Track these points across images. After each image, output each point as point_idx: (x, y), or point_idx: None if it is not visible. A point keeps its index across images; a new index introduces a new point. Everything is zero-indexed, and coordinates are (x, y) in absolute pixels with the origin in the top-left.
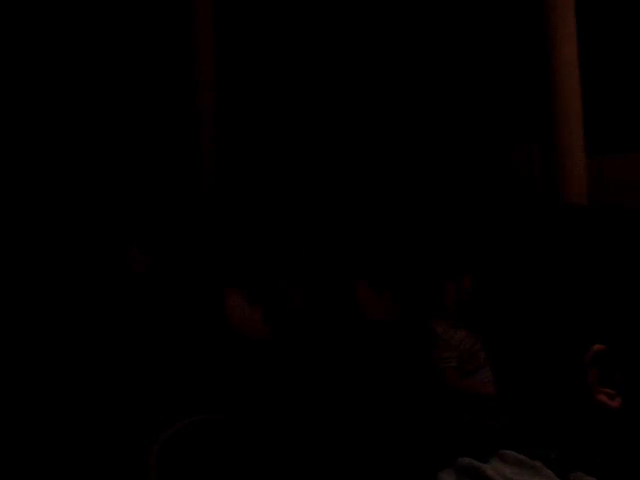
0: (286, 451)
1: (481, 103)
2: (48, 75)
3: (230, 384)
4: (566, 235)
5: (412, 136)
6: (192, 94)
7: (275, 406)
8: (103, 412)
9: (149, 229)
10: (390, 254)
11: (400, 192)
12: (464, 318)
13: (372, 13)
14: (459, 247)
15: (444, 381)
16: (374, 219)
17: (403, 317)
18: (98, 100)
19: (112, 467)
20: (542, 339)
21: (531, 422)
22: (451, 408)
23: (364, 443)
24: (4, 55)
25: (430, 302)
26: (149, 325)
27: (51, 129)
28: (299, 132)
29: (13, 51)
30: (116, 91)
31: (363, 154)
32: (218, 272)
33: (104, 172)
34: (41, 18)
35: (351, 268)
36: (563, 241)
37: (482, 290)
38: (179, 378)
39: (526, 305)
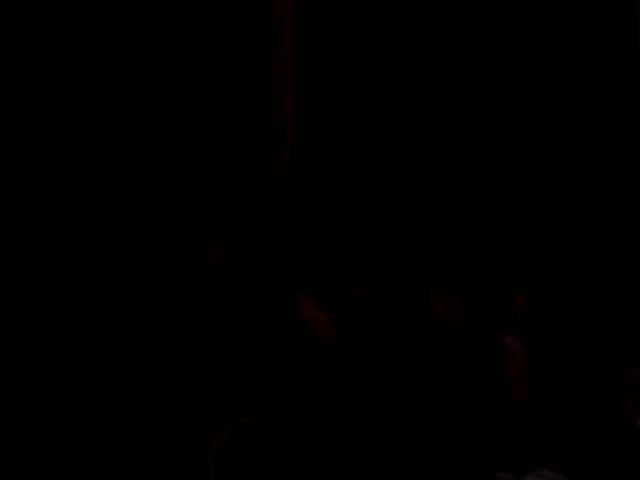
0: (343, 452)
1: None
2: (140, 75)
3: (294, 384)
4: None
5: (504, 143)
6: (270, 87)
7: (338, 408)
8: (164, 407)
9: (223, 223)
10: (463, 261)
11: (481, 199)
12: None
13: (462, 14)
14: (533, 260)
15: (508, 393)
16: (451, 225)
17: (473, 325)
18: (178, 93)
19: (171, 465)
20: (585, 358)
21: (567, 440)
22: (506, 420)
23: (416, 447)
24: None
25: (499, 312)
26: (217, 318)
27: (141, 124)
28: (381, 130)
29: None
30: (196, 86)
31: (448, 159)
32: (289, 270)
33: (182, 166)
34: (138, 22)
35: (423, 273)
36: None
37: (539, 305)
38: (243, 375)
39: (577, 324)
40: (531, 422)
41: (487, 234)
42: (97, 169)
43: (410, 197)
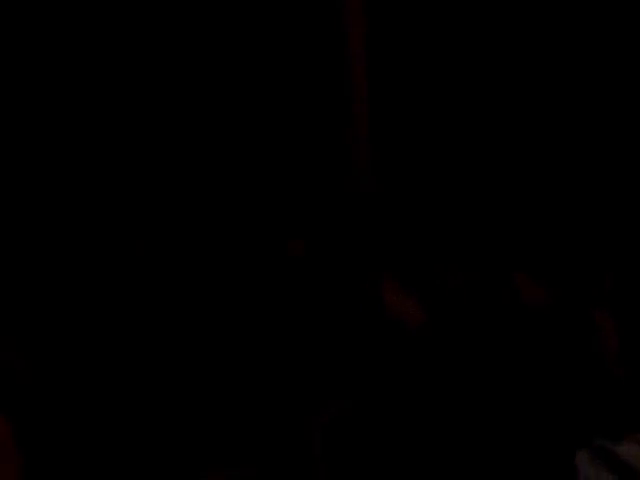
0: (432, 435)
1: None
2: (222, 74)
3: (381, 369)
4: None
5: (586, 132)
6: (344, 84)
7: (425, 391)
8: (257, 392)
9: (304, 216)
10: (551, 240)
11: (568, 180)
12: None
13: (537, 15)
14: (621, 237)
15: (603, 367)
16: (538, 207)
17: (562, 304)
18: (259, 92)
19: (273, 443)
20: None
21: None
22: (602, 392)
23: (511, 424)
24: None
25: (589, 291)
26: (304, 307)
27: (222, 126)
28: (457, 120)
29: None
30: (273, 84)
31: (530, 144)
32: (374, 256)
33: (262, 165)
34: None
35: (509, 256)
36: None
37: (629, 281)
38: (331, 362)
39: None
40: (626, 392)
41: (574, 214)
42: (183, 166)
43: (495, 181)
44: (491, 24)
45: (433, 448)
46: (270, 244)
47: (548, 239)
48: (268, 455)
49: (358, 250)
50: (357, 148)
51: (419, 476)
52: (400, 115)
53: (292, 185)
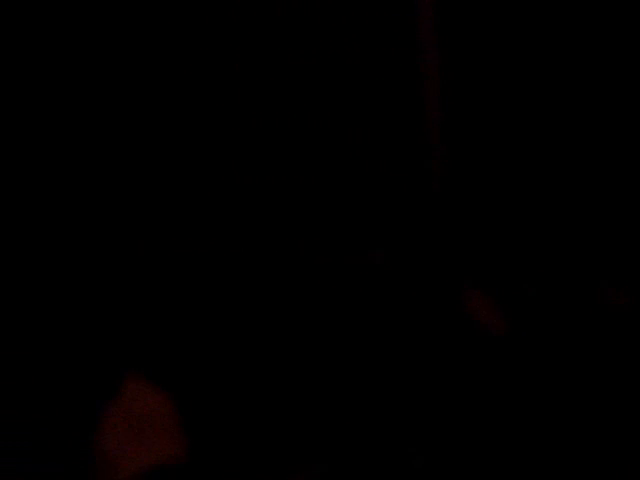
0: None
1: None
2: (301, 80)
3: (463, 378)
4: None
5: None
6: (417, 87)
7: (508, 399)
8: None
9: (383, 227)
10: (635, 249)
11: None
12: None
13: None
14: None
15: None
16: (621, 215)
17: None
18: (335, 99)
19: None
20: None
21: None
22: None
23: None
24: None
25: None
26: (384, 316)
27: (307, 136)
28: (538, 123)
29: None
30: (349, 92)
31: (609, 149)
32: (455, 264)
33: (338, 173)
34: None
35: (592, 265)
36: None
37: None
38: (408, 373)
39: None
40: None
41: None
42: (262, 176)
43: (577, 186)
44: (567, 23)
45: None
46: (350, 254)
47: (631, 244)
48: (346, 452)
49: (439, 258)
50: (434, 155)
51: None
52: (478, 119)
53: (370, 194)
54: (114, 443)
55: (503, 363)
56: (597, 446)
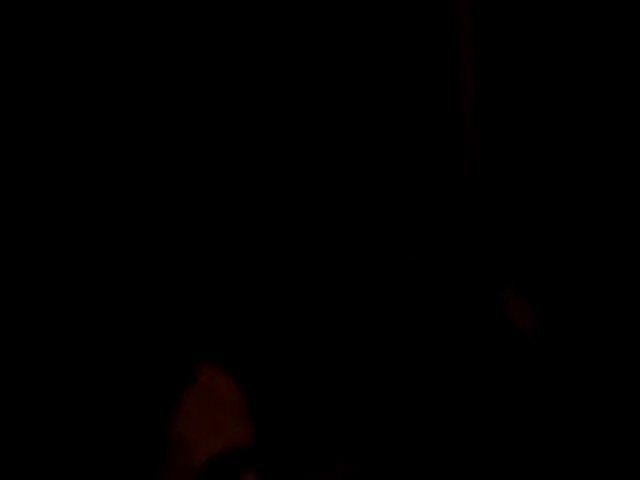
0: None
1: None
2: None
3: (495, 377)
4: None
5: None
6: (453, 80)
7: (540, 399)
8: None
9: (414, 221)
10: None
11: None
12: None
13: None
14: None
15: None
16: None
17: None
18: (367, 103)
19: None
20: None
21: None
22: None
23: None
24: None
25: None
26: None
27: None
28: (577, 128)
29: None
30: (388, 86)
31: None
32: (489, 265)
33: (372, 175)
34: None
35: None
36: None
37: None
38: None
39: None
40: None
41: None
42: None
43: (615, 189)
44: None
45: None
46: (385, 254)
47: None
48: (379, 453)
49: (473, 256)
50: (469, 154)
51: None
52: (513, 114)
53: (402, 195)
54: (188, 429)
55: (536, 364)
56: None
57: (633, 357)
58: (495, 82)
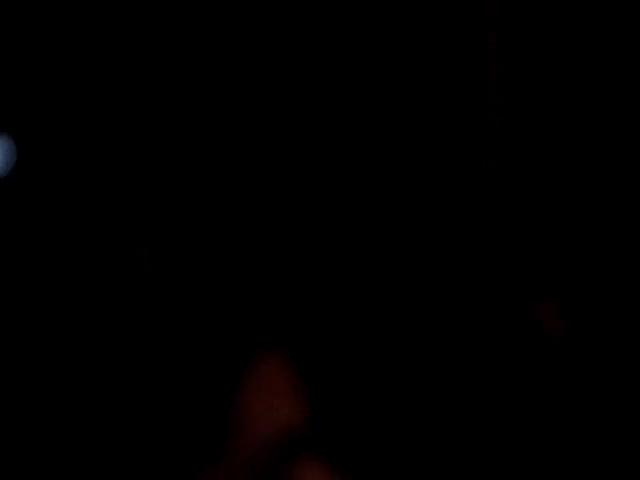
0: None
1: None
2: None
3: (526, 384)
4: None
5: None
6: (479, 74)
7: (576, 409)
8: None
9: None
10: None
11: None
12: None
13: None
14: None
15: None
16: None
17: None
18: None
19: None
20: None
21: None
22: None
23: None
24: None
25: None
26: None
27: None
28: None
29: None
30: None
31: None
32: (518, 271)
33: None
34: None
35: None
36: None
37: None
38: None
39: None
40: None
41: None
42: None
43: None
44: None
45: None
46: (408, 255)
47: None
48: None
49: (502, 260)
50: (494, 154)
51: None
52: (541, 119)
53: (429, 196)
54: (248, 412)
55: (568, 370)
56: None
57: None
58: (519, 85)
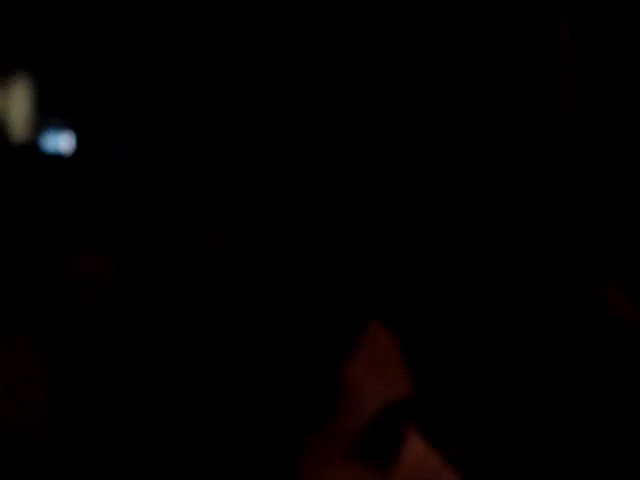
0: None
1: None
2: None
3: (601, 375)
4: None
5: None
6: (550, 85)
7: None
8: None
9: (509, 217)
10: None
11: None
12: None
13: None
14: None
15: None
16: None
17: None
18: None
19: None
20: None
21: None
22: None
23: None
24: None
25: None
26: (511, 307)
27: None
28: None
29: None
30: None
31: None
32: (596, 257)
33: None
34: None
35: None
36: None
37: None
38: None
39: None
40: None
41: None
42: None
43: None
44: None
45: None
46: (478, 243)
47: None
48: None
49: (576, 249)
50: (565, 147)
51: None
52: (610, 113)
53: (499, 185)
54: (357, 379)
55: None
56: None
57: None
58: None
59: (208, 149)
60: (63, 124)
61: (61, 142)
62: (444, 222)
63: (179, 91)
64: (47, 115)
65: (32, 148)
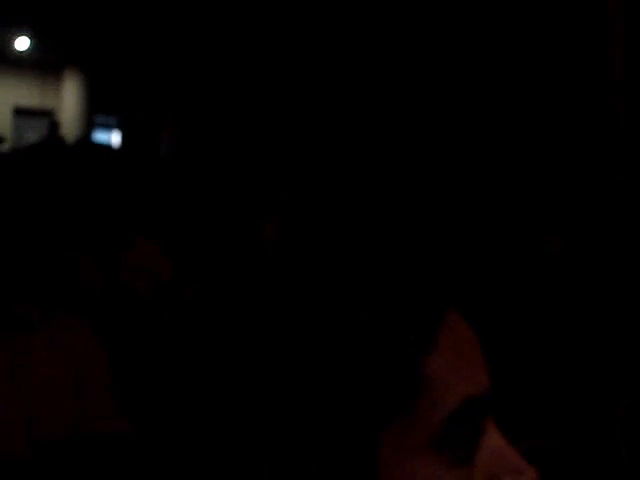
0: None
1: None
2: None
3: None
4: None
5: None
6: (603, 89)
7: None
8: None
9: (562, 214)
10: None
11: None
12: None
13: None
14: None
15: None
16: None
17: None
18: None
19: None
20: None
21: None
22: None
23: None
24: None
25: None
26: (557, 301)
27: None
28: None
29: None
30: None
31: None
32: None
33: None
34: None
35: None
36: None
37: None
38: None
39: None
40: None
41: None
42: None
43: None
44: None
45: None
46: (524, 238)
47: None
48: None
49: (624, 248)
50: (619, 144)
51: None
52: None
53: (551, 180)
54: (439, 372)
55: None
56: None
57: None
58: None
59: (263, 139)
60: (113, 123)
61: (111, 140)
62: (506, 218)
63: (229, 86)
64: (98, 114)
65: (85, 145)
